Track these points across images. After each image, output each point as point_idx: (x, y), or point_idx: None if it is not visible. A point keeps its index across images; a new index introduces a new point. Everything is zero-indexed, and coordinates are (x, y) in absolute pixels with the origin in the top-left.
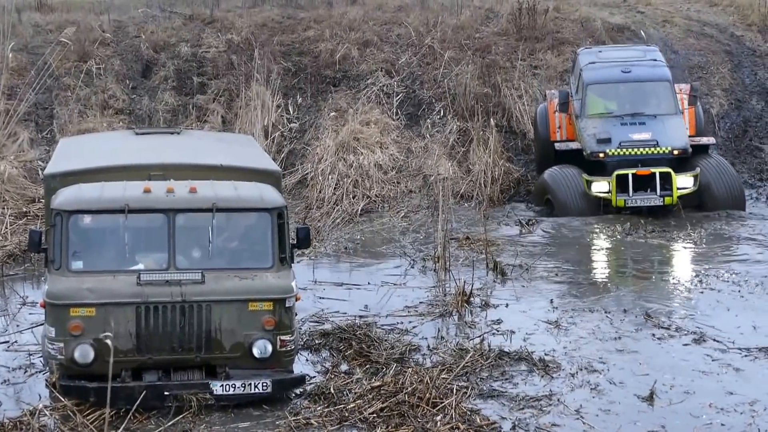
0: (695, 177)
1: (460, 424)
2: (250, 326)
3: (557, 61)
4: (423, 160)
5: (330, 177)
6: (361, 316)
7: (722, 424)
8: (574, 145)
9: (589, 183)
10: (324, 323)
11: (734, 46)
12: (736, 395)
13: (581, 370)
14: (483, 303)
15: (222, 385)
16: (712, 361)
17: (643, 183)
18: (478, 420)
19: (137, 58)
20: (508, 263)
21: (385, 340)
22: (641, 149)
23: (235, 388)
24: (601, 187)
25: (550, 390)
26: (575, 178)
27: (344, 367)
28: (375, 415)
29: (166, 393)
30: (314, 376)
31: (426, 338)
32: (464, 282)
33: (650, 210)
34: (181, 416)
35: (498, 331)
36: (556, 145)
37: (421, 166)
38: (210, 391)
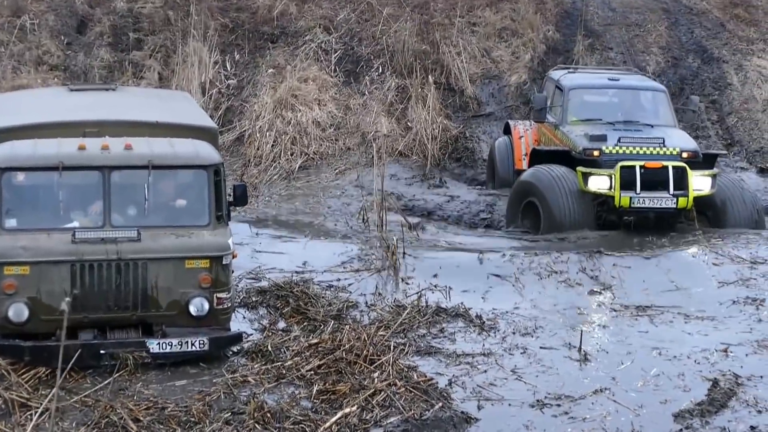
0: (713, 177)
1: (397, 380)
2: (187, 284)
3: (496, 18)
4: (361, 117)
5: (268, 134)
6: (297, 272)
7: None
8: (558, 147)
9: (585, 177)
10: (261, 280)
11: (671, 3)
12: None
13: (516, 332)
14: (418, 257)
15: (158, 343)
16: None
17: (651, 181)
18: (415, 376)
19: (72, 14)
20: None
21: (323, 297)
22: (645, 147)
23: (171, 346)
24: (600, 182)
25: (489, 349)
26: (567, 175)
27: (282, 324)
28: (312, 372)
29: (102, 351)
30: (251, 334)
31: (364, 294)
32: (395, 239)
33: (658, 216)
34: (117, 375)
35: (436, 287)
36: (536, 147)
37: (360, 124)
38: (146, 349)
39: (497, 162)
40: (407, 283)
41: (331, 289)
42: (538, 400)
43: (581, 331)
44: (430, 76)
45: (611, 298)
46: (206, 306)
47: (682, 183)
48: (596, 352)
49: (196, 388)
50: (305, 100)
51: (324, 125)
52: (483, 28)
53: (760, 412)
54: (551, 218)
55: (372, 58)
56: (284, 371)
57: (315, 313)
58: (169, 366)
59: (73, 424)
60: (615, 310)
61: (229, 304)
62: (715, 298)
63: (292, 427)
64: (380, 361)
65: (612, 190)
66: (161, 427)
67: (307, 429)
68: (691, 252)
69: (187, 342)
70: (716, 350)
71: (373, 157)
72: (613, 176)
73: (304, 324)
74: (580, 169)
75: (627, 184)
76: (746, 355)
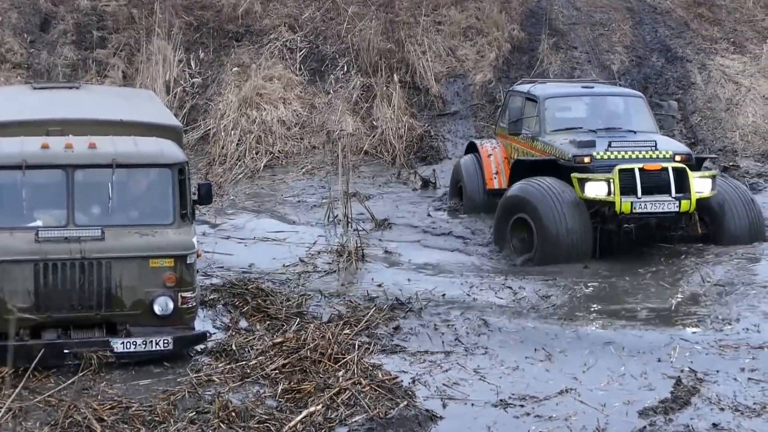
0: (713, 179)
1: (362, 379)
2: (151, 283)
3: (461, 17)
4: (326, 116)
5: (233, 133)
6: (255, 270)
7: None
8: (543, 157)
9: (582, 183)
10: (212, 277)
11: (635, 3)
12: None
13: (473, 332)
14: (382, 257)
15: (123, 343)
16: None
17: (651, 185)
18: (380, 375)
19: (35, 11)
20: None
21: (280, 293)
22: (637, 152)
23: (135, 345)
24: (598, 188)
25: (449, 349)
26: (559, 186)
27: (244, 323)
28: (277, 371)
29: (65, 351)
30: (214, 333)
31: (320, 292)
32: (357, 233)
33: (660, 222)
34: (81, 374)
35: (387, 285)
36: (519, 158)
37: (325, 122)
38: (110, 348)
39: (465, 182)
40: (367, 280)
41: (290, 286)
42: (501, 400)
43: (545, 332)
44: (395, 75)
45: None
46: (171, 305)
47: (683, 185)
48: (558, 353)
49: (160, 387)
50: (270, 99)
51: (289, 124)
52: (448, 26)
53: (722, 409)
54: (546, 234)
55: (337, 56)
56: (249, 370)
57: (276, 311)
58: (134, 365)
59: (37, 424)
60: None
61: (194, 304)
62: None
63: (257, 426)
64: (345, 359)
65: (611, 195)
66: (125, 426)
67: (272, 428)
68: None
69: (151, 341)
70: (678, 347)
71: (338, 155)
72: (611, 181)
73: (267, 323)
74: (575, 175)
75: (627, 188)
76: (706, 353)
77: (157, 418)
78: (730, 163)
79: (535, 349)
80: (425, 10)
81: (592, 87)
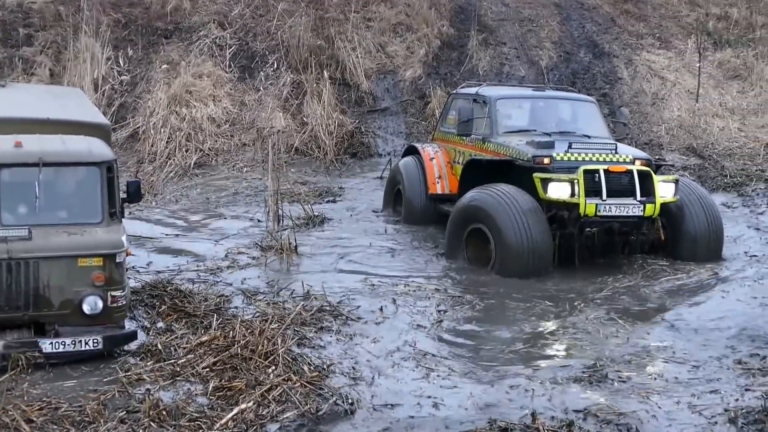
0: (676, 183)
1: (292, 375)
2: (80, 282)
3: (390, 13)
4: (257, 113)
5: (162, 130)
6: (167, 271)
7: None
8: (499, 157)
9: (545, 183)
10: (138, 276)
11: None
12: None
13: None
14: (309, 255)
15: (51, 343)
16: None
17: (615, 187)
18: (308, 371)
19: None
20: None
21: (198, 294)
22: (598, 154)
23: (65, 345)
24: (561, 189)
25: (375, 348)
26: (516, 193)
27: (161, 324)
28: (208, 369)
29: None
30: (135, 331)
31: (243, 291)
32: (286, 230)
33: (623, 227)
34: (8, 375)
35: (324, 285)
36: (474, 157)
37: (255, 119)
38: (39, 349)
39: (405, 187)
40: (294, 277)
41: (213, 283)
42: (428, 396)
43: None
44: (325, 72)
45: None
46: (100, 304)
47: (647, 189)
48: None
49: (90, 387)
50: (200, 96)
51: (219, 121)
52: (378, 23)
53: None
54: (505, 244)
55: (267, 53)
56: (179, 369)
57: (194, 310)
58: (63, 365)
59: None
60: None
61: (124, 302)
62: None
63: (188, 424)
64: (274, 356)
65: (575, 197)
66: (55, 427)
67: (203, 426)
68: None
69: (80, 341)
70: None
71: (268, 152)
72: (575, 182)
73: (185, 321)
74: (537, 175)
75: (591, 190)
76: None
77: (87, 419)
78: (657, 158)
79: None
80: (355, 6)
81: (544, 91)
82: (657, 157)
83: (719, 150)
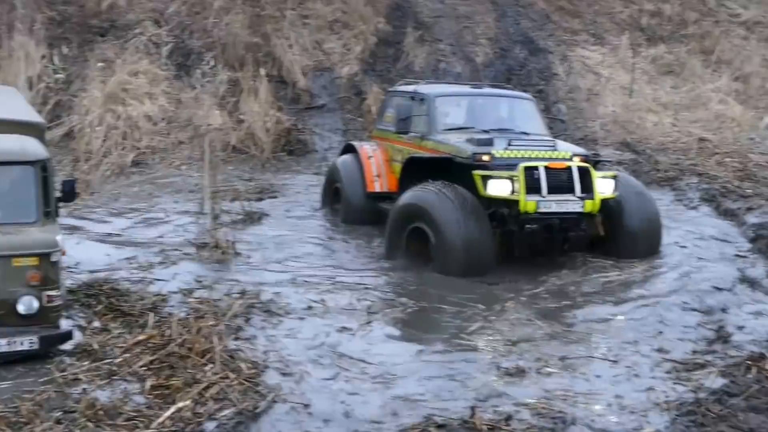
0: (615, 179)
1: (230, 373)
2: (15, 282)
3: (327, 10)
4: (193, 110)
5: (98, 129)
6: (102, 270)
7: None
8: (438, 155)
9: (485, 180)
10: (74, 276)
11: None
12: None
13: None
14: (246, 252)
15: None
16: None
17: (555, 184)
18: (245, 368)
19: None
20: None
21: (134, 293)
22: (537, 151)
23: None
24: (501, 186)
25: (312, 343)
26: (455, 191)
27: (97, 323)
28: (145, 368)
29: None
30: (71, 330)
31: (178, 287)
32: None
33: (562, 224)
34: None
35: (262, 283)
36: (414, 155)
37: (192, 117)
38: None
39: (344, 186)
40: (230, 275)
41: (148, 282)
42: (342, 399)
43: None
44: (261, 69)
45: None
46: (35, 305)
47: (587, 185)
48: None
49: (26, 387)
50: (136, 94)
51: (155, 119)
52: (314, 20)
53: None
54: (445, 243)
55: (203, 51)
56: (116, 368)
57: (130, 308)
58: None
59: None
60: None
61: (60, 302)
62: None
63: (125, 423)
64: (211, 354)
65: (515, 194)
66: None
67: (140, 425)
68: None
69: (15, 341)
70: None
71: (204, 150)
72: (515, 179)
73: (121, 320)
74: (477, 172)
75: (532, 187)
76: None
77: (22, 419)
78: (592, 153)
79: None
80: (291, 3)
81: (482, 89)
82: (593, 152)
83: (653, 145)
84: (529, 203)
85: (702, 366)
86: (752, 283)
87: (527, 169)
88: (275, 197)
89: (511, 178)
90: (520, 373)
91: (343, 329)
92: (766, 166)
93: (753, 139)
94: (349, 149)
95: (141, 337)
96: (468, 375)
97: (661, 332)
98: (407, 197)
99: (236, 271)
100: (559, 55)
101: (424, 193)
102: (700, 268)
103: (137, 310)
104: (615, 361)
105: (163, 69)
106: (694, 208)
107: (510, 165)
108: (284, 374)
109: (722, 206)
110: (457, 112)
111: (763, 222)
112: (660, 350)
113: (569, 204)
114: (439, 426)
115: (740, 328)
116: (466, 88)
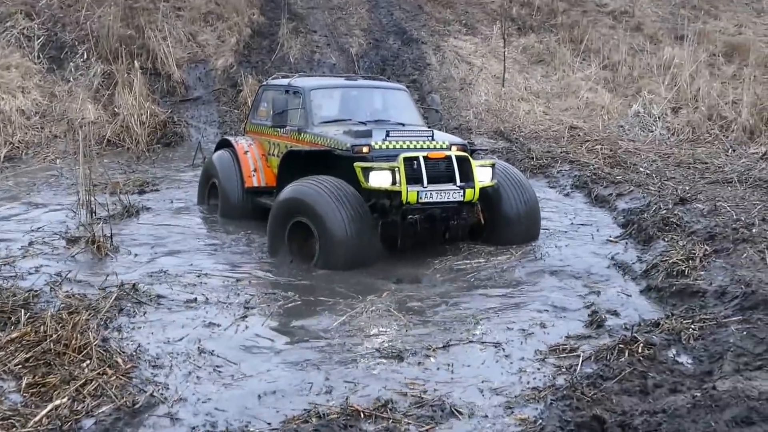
0: (492, 167)
1: (108, 369)
2: None
3: (200, 2)
4: (67, 104)
5: None
6: None
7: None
8: (316, 148)
9: (366, 172)
10: None
11: None
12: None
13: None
14: (122, 246)
15: None
16: None
17: (435, 174)
18: (121, 362)
19: None
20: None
21: (6, 289)
22: (415, 141)
23: None
24: (382, 178)
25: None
26: (337, 183)
27: None
28: (20, 365)
29: None
30: None
31: (51, 282)
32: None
33: (443, 213)
34: None
35: (144, 280)
36: (293, 149)
37: (66, 111)
38: None
39: (221, 181)
40: (104, 269)
41: (25, 278)
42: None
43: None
44: (136, 62)
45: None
46: None
47: (466, 174)
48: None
49: None
50: (8, 88)
51: (29, 113)
52: (188, 12)
53: None
54: (328, 237)
55: (77, 43)
56: None
57: (1, 305)
58: None
59: None
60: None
61: None
62: None
63: (1, 423)
64: (88, 349)
65: (397, 185)
66: None
67: (17, 424)
68: None
69: None
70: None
71: (79, 144)
72: (396, 170)
73: None
74: (359, 164)
75: (412, 177)
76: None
77: None
78: (468, 141)
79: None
80: None
81: (356, 80)
82: (469, 141)
83: (525, 133)
84: (410, 194)
85: (576, 350)
86: (624, 267)
87: (407, 159)
88: (158, 190)
89: (392, 170)
90: (397, 358)
91: (211, 324)
92: (634, 153)
93: (622, 127)
94: (224, 144)
95: (15, 335)
96: (343, 363)
97: (536, 318)
98: (288, 192)
99: (112, 265)
100: (432, 45)
101: (305, 187)
102: (574, 254)
103: (9, 308)
104: (494, 346)
105: (36, 62)
106: (567, 194)
107: (389, 156)
108: (155, 367)
109: (594, 192)
110: (333, 105)
111: (633, 207)
112: (534, 335)
113: (450, 193)
114: (320, 416)
115: (613, 312)
116: (341, 80)
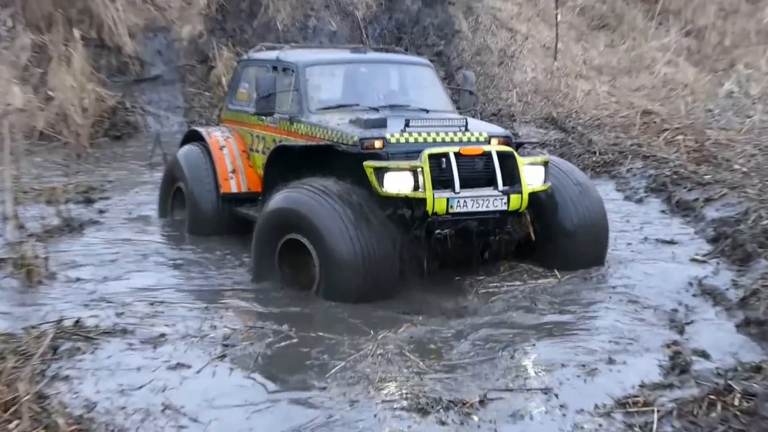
0: (545, 166)
1: (42, 430)
2: None
3: None
4: None
5: None
6: None
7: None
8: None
9: (380, 174)
10: None
11: None
12: None
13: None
14: (62, 270)
15: None
16: None
17: (470, 176)
18: (63, 423)
19: None
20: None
21: None
22: (443, 133)
23: None
24: (401, 181)
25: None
26: (343, 189)
27: None
28: None
29: None
30: None
31: None
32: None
33: (481, 226)
34: None
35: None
36: (283, 144)
37: None
38: None
39: (189, 185)
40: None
41: None
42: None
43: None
44: (75, 30)
45: None
46: None
47: (511, 175)
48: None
49: None
50: None
51: None
52: None
53: None
54: (332, 260)
55: None
56: None
57: None
58: None
59: None
60: None
61: None
62: None
63: None
64: (17, 406)
65: (420, 190)
66: None
67: None
68: None
69: None
70: None
71: (4, 139)
72: (419, 171)
73: None
74: (370, 164)
75: (440, 180)
76: None
77: None
78: (513, 132)
79: None
80: None
81: (365, 53)
82: (512, 131)
83: (585, 120)
84: (438, 202)
85: (651, 404)
86: (714, 295)
87: (433, 157)
88: (107, 198)
89: (413, 170)
90: (421, 412)
91: (180, 366)
92: (727, 145)
93: (711, 111)
94: (192, 137)
95: None
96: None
97: (598, 361)
98: (278, 200)
99: (47, 295)
100: (462, 6)
101: (300, 195)
102: (650, 277)
103: None
104: (546, 394)
105: None
106: (639, 200)
107: (410, 152)
108: (107, 428)
109: (675, 197)
110: (335, 86)
111: (726, 216)
112: (594, 383)
113: (490, 201)
114: None
115: (701, 353)
116: (345, 54)
